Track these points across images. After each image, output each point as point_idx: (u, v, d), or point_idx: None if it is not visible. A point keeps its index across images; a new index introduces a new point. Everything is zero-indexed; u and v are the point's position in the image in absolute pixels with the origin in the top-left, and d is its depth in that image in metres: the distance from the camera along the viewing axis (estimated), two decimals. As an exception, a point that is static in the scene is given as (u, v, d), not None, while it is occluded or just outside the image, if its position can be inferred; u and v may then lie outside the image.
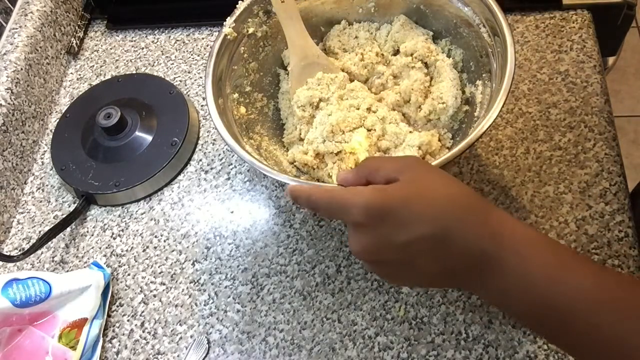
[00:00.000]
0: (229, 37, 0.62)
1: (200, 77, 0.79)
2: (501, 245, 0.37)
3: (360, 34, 0.68)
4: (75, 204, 0.69)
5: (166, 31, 0.85)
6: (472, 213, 0.38)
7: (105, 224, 0.69)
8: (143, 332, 0.61)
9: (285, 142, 0.66)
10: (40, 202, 0.72)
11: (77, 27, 0.87)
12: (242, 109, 0.63)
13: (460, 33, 0.62)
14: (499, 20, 0.55)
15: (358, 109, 0.61)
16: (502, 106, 0.51)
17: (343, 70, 0.65)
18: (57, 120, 0.77)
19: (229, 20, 0.62)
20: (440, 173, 0.41)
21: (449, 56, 0.64)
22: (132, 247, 0.67)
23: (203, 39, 0.83)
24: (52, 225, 0.66)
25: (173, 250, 0.66)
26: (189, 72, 0.80)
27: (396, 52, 0.67)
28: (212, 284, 0.63)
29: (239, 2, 0.63)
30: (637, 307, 0.34)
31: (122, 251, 0.67)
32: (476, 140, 0.50)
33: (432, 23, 0.65)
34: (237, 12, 0.63)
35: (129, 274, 0.65)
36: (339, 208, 0.39)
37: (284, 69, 0.69)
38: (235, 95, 0.62)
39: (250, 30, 0.64)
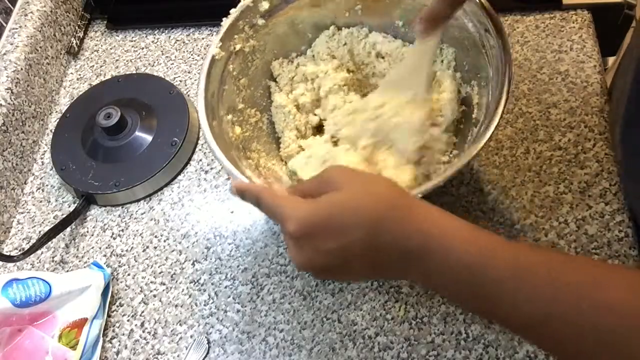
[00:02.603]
0: (217, 57, 0.60)
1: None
2: (425, 241, 0.39)
3: (350, 42, 0.67)
4: (75, 204, 0.69)
5: (166, 31, 0.85)
6: (395, 212, 0.40)
7: (105, 224, 0.69)
8: (143, 332, 0.61)
9: (283, 156, 0.65)
10: (40, 202, 0.72)
11: (77, 27, 0.87)
12: (237, 129, 0.61)
13: (451, 32, 0.61)
14: (492, 20, 0.55)
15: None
16: (494, 130, 0.50)
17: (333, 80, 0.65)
18: (57, 120, 0.77)
19: (215, 40, 0.61)
20: (363, 177, 0.43)
21: (440, 55, 0.63)
22: (132, 247, 0.67)
23: (203, 39, 0.83)
24: (52, 225, 0.66)
25: (173, 250, 0.66)
26: (189, 72, 0.80)
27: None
28: (212, 284, 0.63)
29: (223, 19, 0.62)
30: (545, 276, 0.36)
31: (122, 251, 0.67)
32: (472, 159, 0.50)
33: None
34: (223, 30, 0.61)
35: (129, 274, 0.65)
36: (280, 217, 0.42)
37: (274, 81, 0.67)
38: (229, 117, 0.61)
39: (238, 46, 0.62)
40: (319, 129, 0.66)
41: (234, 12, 0.62)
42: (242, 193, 0.46)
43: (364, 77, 0.68)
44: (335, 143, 0.63)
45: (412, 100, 0.58)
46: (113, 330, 0.62)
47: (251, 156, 0.61)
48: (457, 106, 0.61)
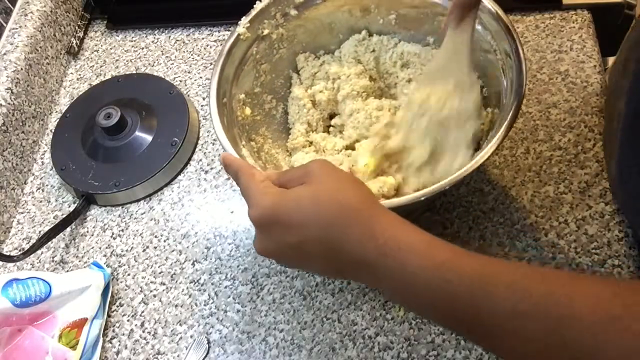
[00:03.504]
0: (242, 37, 0.61)
1: (200, 77, 0.79)
2: (380, 253, 0.38)
3: (378, 50, 0.66)
4: (75, 204, 0.69)
5: (166, 31, 0.85)
6: (356, 219, 0.40)
7: (105, 224, 0.69)
8: (143, 332, 0.61)
9: (289, 147, 0.65)
10: (40, 202, 0.72)
11: (77, 27, 0.87)
12: (248, 110, 0.62)
13: (476, 56, 0.58)
14: (515, 48, 0.54)
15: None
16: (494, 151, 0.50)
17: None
18: (57, 120, 0.77)
19: (244, 20, 0.61)
20: (338, 176, 0.43)
21: None
22: (132, 247, 0.67)
23: (203, 39, 0.83)
24: (52, 225, 0.66)
25: (173, 250, 0.66)
26: (189, 72, 0.80)
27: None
28: (212, 284, 0.63)
29: (257, 2, 0.62)
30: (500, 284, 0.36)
31: (122, 251, 0.67)
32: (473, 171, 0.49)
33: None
34: (253, 12, 0.62)
35: (129, 274, 0.65)
36: (248, 200, 0.43)
37: (297, 73, 0.68)
38: (242, 96, 0.61)
39: (266, 31, 0.63)
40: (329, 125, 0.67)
41: None
42: (226, 165, 0.47)
43: (386, 86, 0.67)
44: (350, 147, 0.63)
45: (458, 87, 0.56)
46: (113, 330, 0.62)
47: (256, 139, 0.61)
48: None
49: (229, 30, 0.83)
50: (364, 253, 0.39)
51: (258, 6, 0.62)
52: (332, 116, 0.67)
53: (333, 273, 0.44)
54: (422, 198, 0.49)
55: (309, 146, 0.65)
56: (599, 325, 0.32)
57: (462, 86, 0.56)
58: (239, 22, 0.61)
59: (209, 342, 0.59)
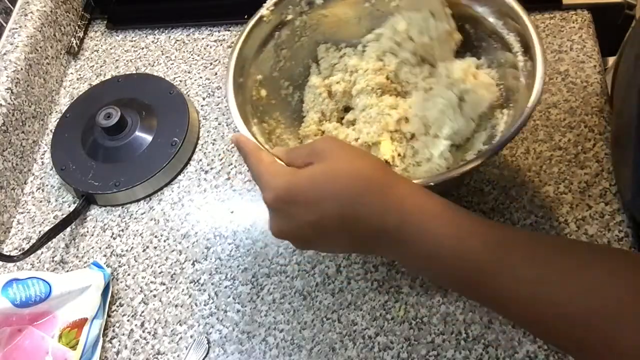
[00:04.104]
0: (265, 19, 0.61)
1: (200, 77, 0.79)
2: (402, 221, 0.38)
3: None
4: (75, 204, 0.69)
5: (166, 31, 0.85)
6: (373, 189, 0.39)
7: (105, 224, 0.69)
8: (143, 332, 0.61)
9: (301, 134, 0.65)
10: (40, 202, 0.72)
11: (77, 27, 0.87)
12: (264, 92, 0.61)
13: (499, 60, 0.59)
14: (532, 43, 0.53)
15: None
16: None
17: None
18: (57, 120, 0.77)
19: (269, 3, 0.61)
20: (350, 151, 0.42)
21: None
22: (132, 247, 0.67)
23: (203, 39, 0.83)
24: (52, 225, 0.66)
25: (173, 250, 0.66)
26: (189, 72, 0.80)
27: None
28: (212, 284, 0.63)
29: None
30: (517, 255, 0.36)
31: (122, 251, 0.67)
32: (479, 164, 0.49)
33: (475, 44, 0.61)
34: None
35: (129, 274, 0.65)
36: (259, 183, 0.43)
37: (316, 63, 0.67)
38: (259, 77, 0.61)
39: (289, 17, 0.63)
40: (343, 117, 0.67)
41: None
42: (237, 146, 0.47)
43: (402, 90, 0.66)
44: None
45: (434, 14, 0.58)
46: (113, 330, 0.62)
47: (269, 122, 0.61)
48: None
49: (229, 30, 0.83)
50: (383, 221, 0.39)
51: None
52: (347, 109, 0.67)
53: (353, 247, 0.43)
54: (431, 183, 0.48)
55: (321, 135, 0.65)
56: (618, 295, 0.33)
57: (437, 11, 0.57)
58: (263, 4, 0.61)
59: (209, 342, 0.59)
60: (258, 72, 0.61)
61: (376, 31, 0.65)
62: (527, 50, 0.54)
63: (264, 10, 0.61)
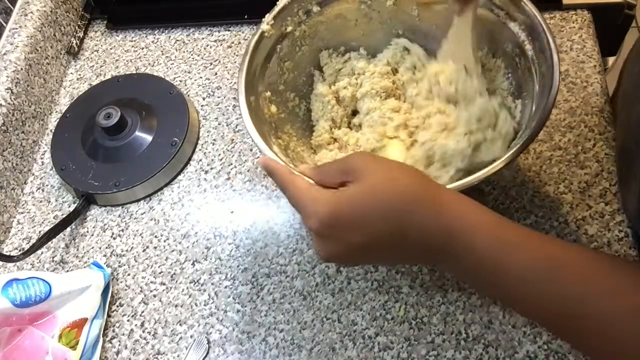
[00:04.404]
0: (266, 34, 0.60)
1: (200, 77, 0.79)
2: (451, 236, 0.38)
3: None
4: (75, 204, 0.69)
5: (166, 31, 0.85)
6: (418, 204, 0.39)
7: (105, 224, 0.69)
8: (143, 332, 0.61)
9: (313, 144, 0.64)
10: (40, 202, 0.72)
11: (77, 27, 0.87)
12: (274, 108, 0.61)
13: (504, 49, 0.59)
14: (547, 39, 0.53)
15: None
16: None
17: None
18: (57, 120, 0.77)
19: (268, 17, 0.61)
20: (386, 165, 0.42)
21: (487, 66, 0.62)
22: (132, 247, 0.67)
23: (203, 39, 0.83)
24: (52, 225, 0.66)
25: (173, 250, 0.66)
26: (189, 72, 0.80)
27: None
28: (212, 284, 0.63)
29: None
30: (570, 271, 0.37)
31: (122, 251, 0.67)
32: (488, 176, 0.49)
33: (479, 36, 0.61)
34: (277, 9, 0.61)
35: (129, 274, 0.65)
36: (299, 210, 0.43)
37: (319, 70, 0.67)
38: (268, 94, 0.61)
39: (289, 28, 0.62)
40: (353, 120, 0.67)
41: None
42: (269, 172, 0.46)
43: (403, 94, 0.66)
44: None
45: (467, 68, 0.58)
46: (113, 330, 0.62)
47: (282, 137, 0.61)
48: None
49: (229, 30, 0.83)
50: (431, 238, 0.38)
51: (280, 3, 0.61)
52: (355, 112, 0.67)
53: (402, 260, 0.45)
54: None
55: (334, 143, 0.64)
56: None
57: (470, 68, 0.57)
58: (263, 19, 0.61)
59: (209, 342, 0.59)
60: (265, 88, 0.61)
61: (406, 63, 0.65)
62: (534, 38, 0.55)
63: (264, 26, 0.60)
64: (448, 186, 0.47)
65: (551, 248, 0.38)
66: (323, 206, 0.40)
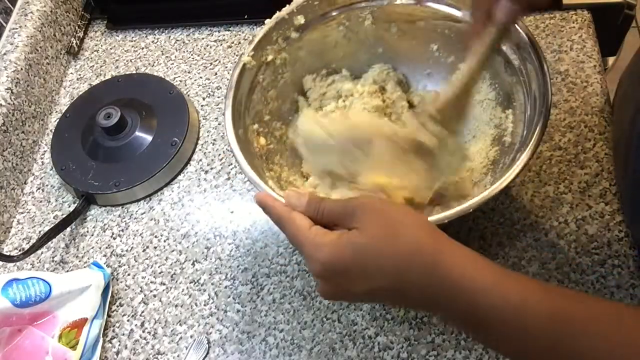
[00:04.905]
0: (247, 66, 0.60)
1: (200, 77, 0.79)
2: (452, 294, 0.38)
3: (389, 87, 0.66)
4: (75, 204, 0.69)
5: (166, 31, 0.85)
6: (420, 259, 0.39)
7: (105, 224, 0.69)
8: (143, 332, 0.61)
9: (304, 171, 0.63)
10: (40, 202, 0.72)
11: (77, 27, 0.87)
12: (262, 140, 0.60)
13: (489, 59, 0.58)
14: (535, 52, 0.53)
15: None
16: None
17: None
18: (57, 120, 0.77)
19: (248, 49, 0.60)
20: (388, 215, 0.41)
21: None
22: (132, 247, 0.67)
23: (203, 39, 0.83)
24: (52, 225, 0.66)
25: (173, 250, 0.66)
26: (189, 72, 0.80)
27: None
28: (212, 284, 0.63)
29: (257, 29, 0.60)
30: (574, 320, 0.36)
31: (122, 251, 0.67)
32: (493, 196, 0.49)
33: (458, 47, 0.61)
34: (256, 40, 0.60)
35: (129, 274, 0.65)
36: (301, 252, 0.43)
37: (302, 96, 0.66)
38: (255, 126, 0.60)
39: (269, 57, 0.62)
40: None
41: (268, 23, 0.61)
42: (265, 209, 0.46)
43: (392, 112, 0.66)
44: None
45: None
46: (113, 330, 0.62)
47: (273, 168, 0.60)
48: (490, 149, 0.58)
49: (229, 30, 0.83)
50: (432, 296, 0.39)
51: (260, 33, 0.61)
52: None
53: (403, 307, 0.49)
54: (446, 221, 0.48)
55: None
56: None
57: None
58: (243, 52, 0.60)
59: (209, 342, 0.59)
60: (252, 121, 0.60)
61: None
62: (520, 48, 0.54)
63: (245, 58, 0.59)
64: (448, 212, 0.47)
65: (560, 303, 0.37)
66: (325, 254, 0.40)
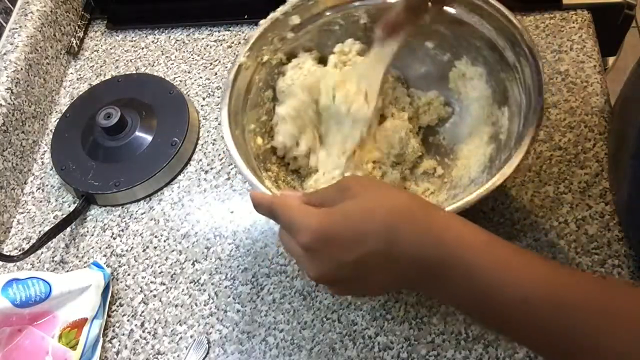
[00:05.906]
0: (244, 67, 0.60)
1: (200, 77, 0.79)
2: (445, 253, 0.37)
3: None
4: (75, 204, 0.69)
5: (166, 31, 0.85)
6: (413, 219, 0.38)
7: (105, 224, 0.69)
8: (143, 332, 0.61)
9: (302, 172, 0.63)
10: (40, 202, 0.72)
11: (77, 27, 0.87)
12: (259, 140, 0.60)
13: (484, 56, 0.59)
14: (528, 48, 0.53)
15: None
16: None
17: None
18: (57, 120, 0.77)
19: (244, 50, 0.60)
20: (380, 185, 0.41)
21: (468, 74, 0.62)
22: (132, 247, 0.67)
23: (203, 39, 0.83)
24: (52, 225, 0.66)
25: (173, 250, 0.66)
26: (189, 72, 0.80)
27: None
28: (212, 284, 0.63)
29: (253, 29, 0.61)
30: (570, 299, 0.35)
31: (122, 251, 0.67)
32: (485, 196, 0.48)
33: (453, 45, 0.62)
34: (251, 40, 0.61)
35: (129, 274, 0.65)
36: (292, 228, 0.41)
37: None
38: (252, 126, 0.60)
39: (265, 58, 0.62)
40: None
41: (263, 23, 0.61)
42: (256, 205, 0.45)
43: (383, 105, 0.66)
44: None
45: (367, 94, 0.58)
46: (113, 330, 0.62)
47: (271, 169, 0.60)
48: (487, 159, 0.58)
49: (229, 30, 0.83)
50: (425, 256, 0.37)
51: (254, 34, 0.61)
52: None
53: (395, 284, 0.42)
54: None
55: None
56: None
57: (370, 94, 0.57)
58: (238, 52, 0.60)
59: (209, 342, 0.59)
60: (249, 121, 0.60)
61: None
62: (514, 45, 0.54)
63: (241, 59, 0.60)
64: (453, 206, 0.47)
65: (552, 271, 0.36)
66: (314, 221, 0.39)
